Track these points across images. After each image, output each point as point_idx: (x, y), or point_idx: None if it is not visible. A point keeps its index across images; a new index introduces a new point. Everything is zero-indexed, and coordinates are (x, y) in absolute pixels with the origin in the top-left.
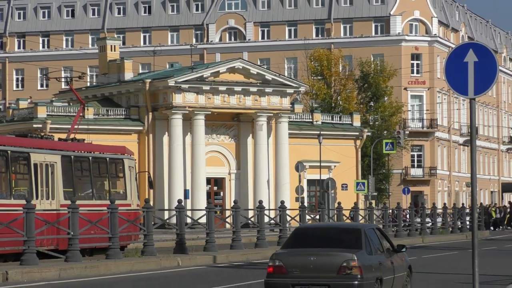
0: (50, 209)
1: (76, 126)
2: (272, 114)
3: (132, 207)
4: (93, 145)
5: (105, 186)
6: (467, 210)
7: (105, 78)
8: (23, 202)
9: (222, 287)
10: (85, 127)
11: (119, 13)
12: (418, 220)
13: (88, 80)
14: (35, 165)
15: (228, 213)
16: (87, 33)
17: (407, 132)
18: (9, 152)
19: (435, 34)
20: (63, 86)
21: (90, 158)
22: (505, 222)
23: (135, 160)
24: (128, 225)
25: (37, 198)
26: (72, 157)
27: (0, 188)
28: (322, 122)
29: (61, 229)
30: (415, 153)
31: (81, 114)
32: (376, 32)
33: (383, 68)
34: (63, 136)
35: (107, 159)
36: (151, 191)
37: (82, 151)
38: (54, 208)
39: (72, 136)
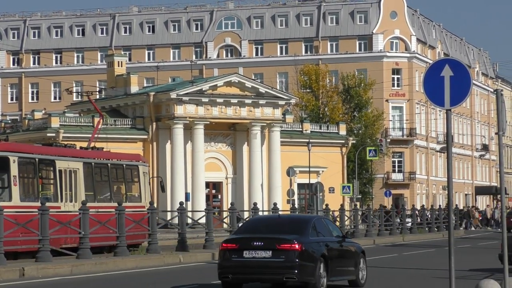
0: (73, 210)
1: (96, 135)
2: (265, 124)
3: (146, 209)
4: (111, 153)
5: (122, 189)
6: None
7: (113, 91)
8: (49, 204)
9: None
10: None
11: (125, 32)
12: (398, 220)
13: (97, 93)
14: (60, 171)
15: (225, 214)
16: (96, 50)
17: (388, 140)
18: (36, 159)
19: (414, 51)
20: (74, 99)
21: (109, 164)
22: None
23: (148, 166)
24: (135, 224)
25: (61, 200)
26: (93, 163)
27: (28, 191)
28: (311, 131)
29: (73, 229)
30: (396, 159)
31: (100, 126)
32: (360, 49)
33: (362, 81)
34: (80, 144)
35: (124, 165)
36: (155, 194)
37: (102, 158)
38: (77, 210)
39: (92, 144)
